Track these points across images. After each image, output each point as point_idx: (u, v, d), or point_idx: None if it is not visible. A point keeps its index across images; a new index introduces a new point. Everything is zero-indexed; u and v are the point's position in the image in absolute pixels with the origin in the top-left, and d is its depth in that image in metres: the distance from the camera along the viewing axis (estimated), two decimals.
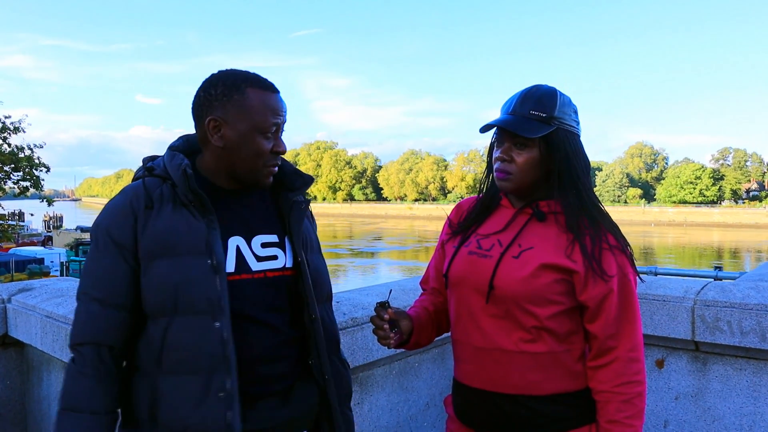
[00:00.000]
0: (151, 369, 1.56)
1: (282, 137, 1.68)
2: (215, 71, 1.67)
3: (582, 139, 1.79)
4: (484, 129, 1.76)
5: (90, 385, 1.53)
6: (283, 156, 1.73)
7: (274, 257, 1.67)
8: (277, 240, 1.70)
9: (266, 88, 1.63)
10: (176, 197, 1.58)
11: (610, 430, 1.66)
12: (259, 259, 1.65)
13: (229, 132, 1.60)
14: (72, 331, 1.59)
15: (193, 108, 1.65)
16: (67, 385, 1.55)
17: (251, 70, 1.68)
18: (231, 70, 1.66)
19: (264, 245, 1.67)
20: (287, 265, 1.69)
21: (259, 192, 1.74)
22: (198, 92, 1.64)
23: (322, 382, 1.71)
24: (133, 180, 1.68)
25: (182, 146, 1.71)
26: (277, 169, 1.69)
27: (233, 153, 1.61)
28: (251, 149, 1.60)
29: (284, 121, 1.67)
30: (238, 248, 1.62)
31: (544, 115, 1.70)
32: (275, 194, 1.76)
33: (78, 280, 3.36)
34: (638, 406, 1.66)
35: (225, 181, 1.67)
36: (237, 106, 1.59)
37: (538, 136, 1.69)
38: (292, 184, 1.75)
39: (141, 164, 1.70)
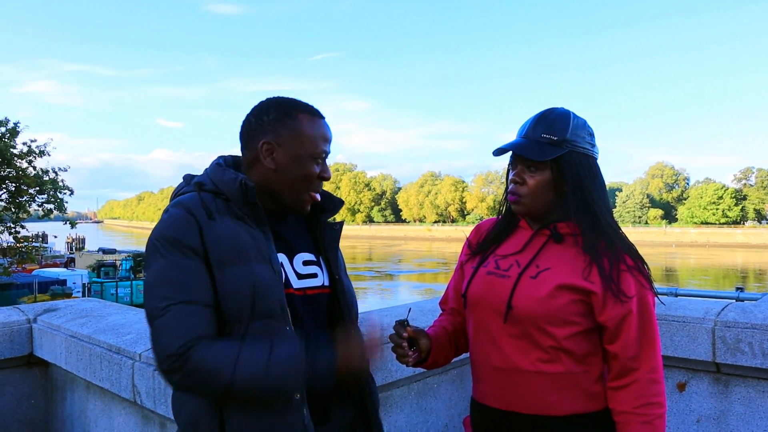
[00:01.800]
0: None
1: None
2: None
3: (601, 161, 1.80)
4: (497, 153, 1.80)
5: (231, 343, 1.50)
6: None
7: (314, 275, 1.72)
8: (315, 259, 1.75)
9: (316, 114, 1.70)
10: (231, 211, 1.60)
11: None
12: (300, 276, 1.69)
13: (282, 155, 1.65)
14: (166, 340, 1.46)
15: (242, 132, 1.71)
16: (216, 367, 1.45)
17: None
18: (281, 97, 1.72)
19: (305, 263, 1.72)
20: (325, 284, 1.73)
21: (296, 215, 1.78)
22: (249, 117, 1.70)
23: (360, 397, 1.74)
24: (174, 196, 1.69)
25: (230, 165, 1.74)
26: (318, 196, 1.72)
27: (284, 176, 1.66)
28: (301, 173, 1.65)
29: (330, 150, 1.73)
30: (281, 265, 1.65)
31: (555, 138, 1.72)
32: (307, 217, 1.81)
33: (101, 300, 3.42)
34: (659, 428, 1.65)
35: (267, 202, 1.70)
36: (290, 131, 1.65)
37: (548, 159, 1.71)
38: (324, 206, 1.81)
39: (183, 181, 1.73)
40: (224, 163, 1.74)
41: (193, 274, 1.51)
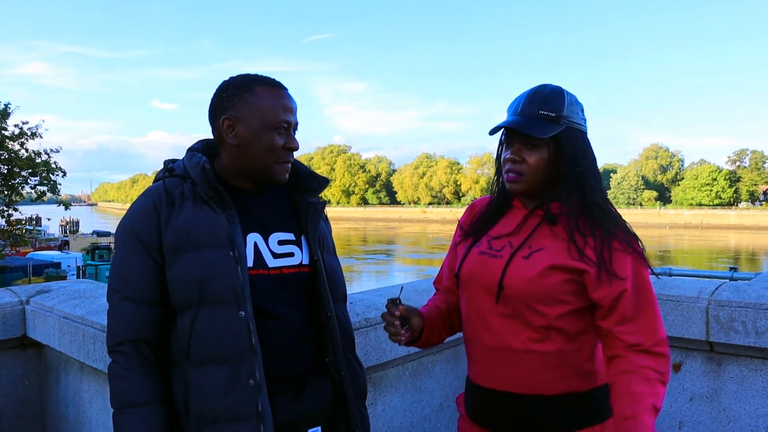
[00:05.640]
0: (182, 361, 1.60)
1: (296, 137, 1.72)
2: (228, 77, 1.73)
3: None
4: (494, 131, 1.77)
5: (139, 380, 1.58)
6: (297, 158, 1.79)
7: (291, 254, 1.72)
8: (293, 238, 1.74)
9: (275, 85, 1.69)
10: (196, 194, 1.63)
11: (630, 400, 1.56)
12: (275, 255, 1.69)
13: (243, 129, 1.65)
14: (109, 333, 1.63)
15: (208, 113, 1.72)
16: (117, 385, 1.59)
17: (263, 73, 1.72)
18: (241, 74, 1.73)
19: (281, 242, 1.71)
20: (304, 262, 1.73)
21: (276, 193, 1.79)
22: (212, 98, 1.72)
23: (338, 378, 1.74)
24: (155, 181, 1.73)
25: (202, 148, 1.77)
26: (290, 165, 1.72)
27: (247, 149, 1.66)
28: (264, 145, 1.65)
29: (296, 120, 1.71)
30: (255, 244, 1.67)
31: (553, 114, 1.70)
32: (291, 196, 1.81)
33: (94, 282, 3.41)
34: (657, 389, 1.58)
35: (242, 180, 1.72)
36: (248, 104, 1.65)
37: (550, 136, 1.69)
38: (308, 186, 1.80)
39: (162, 167, 1.75)
40: (203, 145, 1.77)
41: (139, 270, 1.61)
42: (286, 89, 1.71)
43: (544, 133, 1.68)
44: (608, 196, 1.79)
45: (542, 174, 1.73)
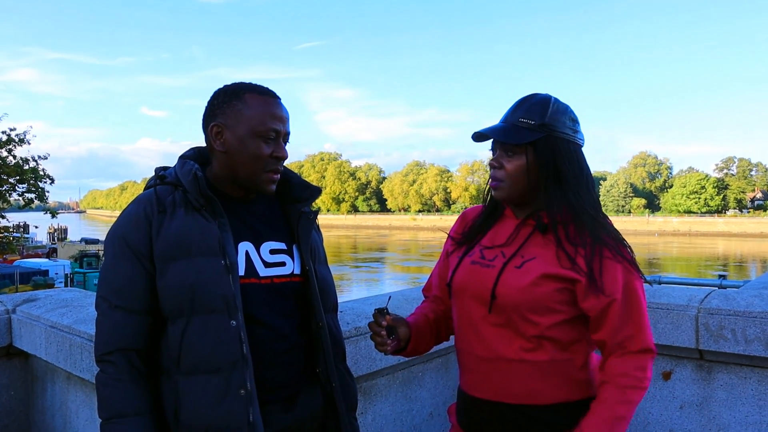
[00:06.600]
0: (172, 370, 1.58)
1: (286, 146, 1.70)
2: (221, 84, 1.72)
3: (591, 149, 1.79)
4: (476, 138, 1.79)
5: (129, 389, 1.55)
6: (287, 166, 1.78)
7: (282, 264, 1.70)
8: (285, 247, 1.73)
9: (265, 93, 1.68)
10: (188, 202, 1.62)
11: (594, 409, 1.64)
12: (267, 265, 1.68)
13: (230, 136, 1.64)
14: (98, 341, 1.61)
15: (201, 121, 1.71)
16: (105, 395, 1.56)
17: (255, 82, 1.71)
18: (235, 82, 1.71)
19: (273, 252, 1.70)
20: (295, 272, 1.72)
21: (268, 201, 1.78)
22: (205, 106, 1.70)
23: (329, 389, 1.73)
24: (146, 189, 1.71)
25: (193, 156, 1.76)
26: (278, 176, 1.70)
27: (234, 157, 1.65)
28: (250, 152, 1.64)
29: (287, 129, 1.70)
30: (247, 253, 1.66)
31: (532, 122, 1.71)
32: (284, 205, 1.80)
33: (81, 290, 3.38)
34: (629, 397, 1.62)
35: (232, 188, 1.71)
36: (236, 111, 1.64)
37: (523, 143, 1.70)
38: (300, 195, 1.79)
39: (153, 174, 1.74)
40: (196, 153, 1.76)
41: (129, 279, 1.59)
42: (278, 98, 1.70)
43: (518, 139, 1.70)
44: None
45: (522, 181, 1.73)
